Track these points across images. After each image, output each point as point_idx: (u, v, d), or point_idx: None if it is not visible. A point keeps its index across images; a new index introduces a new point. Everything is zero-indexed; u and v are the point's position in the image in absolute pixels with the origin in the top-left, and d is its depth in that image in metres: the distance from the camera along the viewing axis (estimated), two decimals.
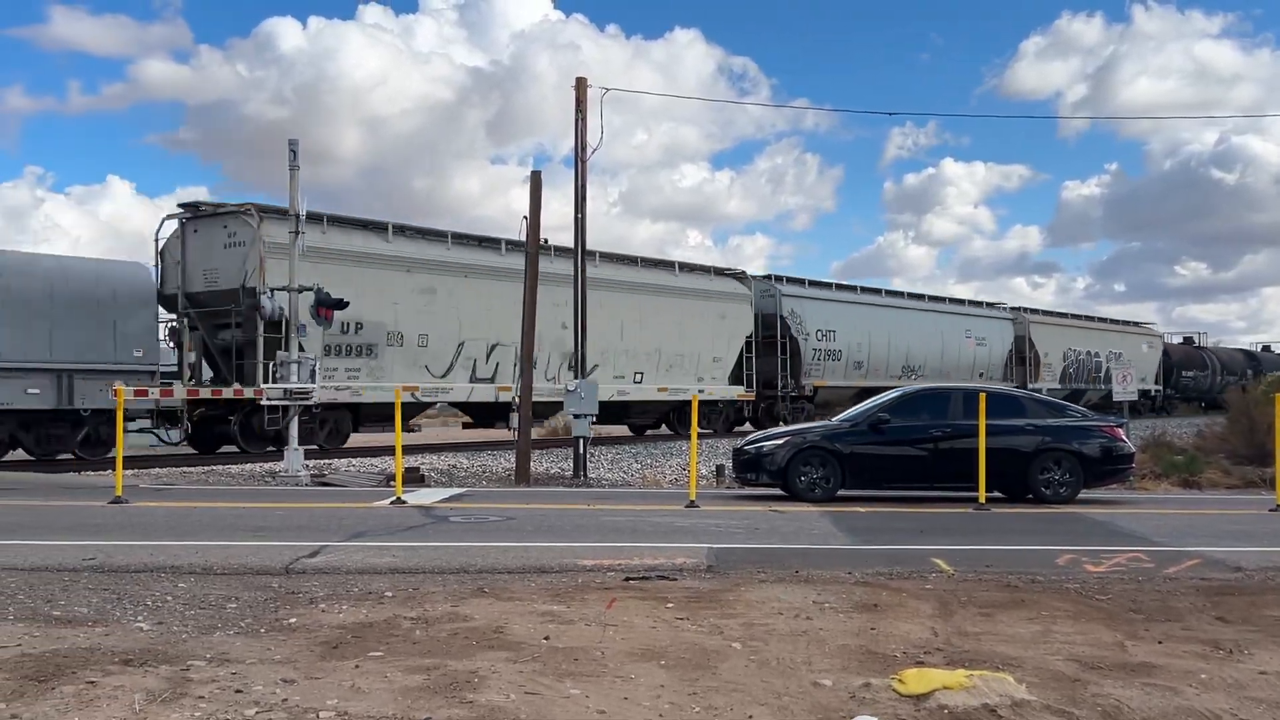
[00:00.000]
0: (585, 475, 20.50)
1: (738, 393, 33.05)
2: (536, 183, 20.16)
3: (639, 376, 30.49)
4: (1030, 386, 42.06)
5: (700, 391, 30.45)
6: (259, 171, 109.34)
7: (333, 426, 24.28)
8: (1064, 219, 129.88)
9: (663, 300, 30.99)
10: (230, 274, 22.42)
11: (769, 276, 35.75)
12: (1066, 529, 12.33)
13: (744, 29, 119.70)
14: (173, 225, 23.58)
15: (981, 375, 42.47)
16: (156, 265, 23.08)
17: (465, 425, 31.04)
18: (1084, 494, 15.49)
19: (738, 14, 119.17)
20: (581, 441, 20.68)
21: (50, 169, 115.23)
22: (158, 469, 20.47)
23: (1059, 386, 45.63)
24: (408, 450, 21.24)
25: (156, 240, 23.56)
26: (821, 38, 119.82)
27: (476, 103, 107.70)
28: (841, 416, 16.17)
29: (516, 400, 21.04)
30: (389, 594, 7.97)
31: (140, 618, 7.12)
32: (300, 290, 19.48)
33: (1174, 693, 5.73)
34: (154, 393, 20.81)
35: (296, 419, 19.58)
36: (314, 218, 22.42)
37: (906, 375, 38.51)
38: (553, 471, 21.19)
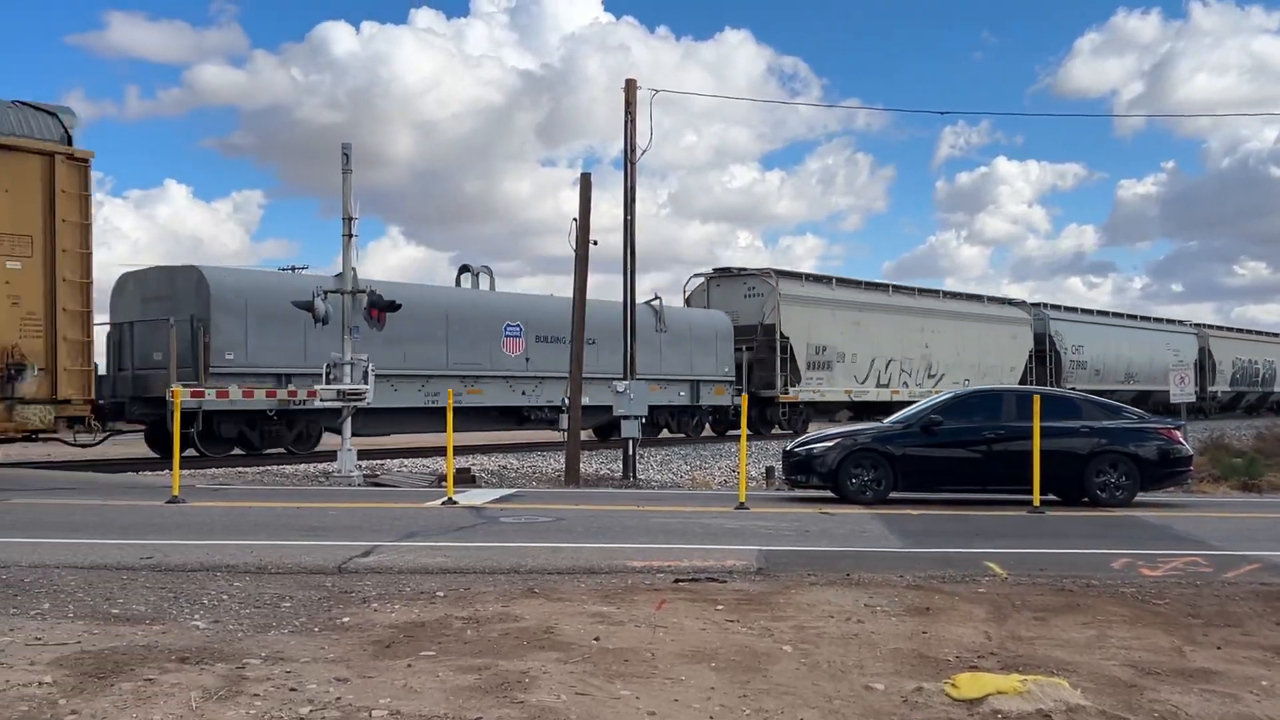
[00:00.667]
0: (634, 476, 20.52)
1: None
2: (586, 185, 20.22)
3: (966, 383, 39.62)
4: (1209, 389, 54.38)
5: None
6: (312, 175, 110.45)
7: (805, 417, 35.65)
8: (1120, 218, 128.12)
9: (977, 325, 42.79)
10: (750, 315, 34.71)
11: (1037, 304, 47.41)
12: (1122, 532, 12.15)
13: (794, 29, 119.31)
14: (698, 281, 36.71)
15: None
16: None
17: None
18: (1140, 497, 15.25)
19: (788, 14, 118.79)
20: (630, 443, 20.73)
21: (109, 173, 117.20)
22: (214, 469, 20.83)
23: (1229, 389, 58.45)
24: (458, 451, 21.40)
25: (684, 290, 37.05)
26: (873, 38, 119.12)
27: (527, 105, 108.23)
28: (893, 418, 16.03)
29: (565, 400, 21.05)
30: (441, 594, 8.03)
31: (197, 616, 7.23)
32: (354, 293, 19.66)
33: (1234, 699, 5.62)
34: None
35: (350, 419, 19.78)
36: (818, 279, 37.47)
37: (1128, 380, 49.72)
38: (602, 473, 21.27)
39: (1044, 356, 45.33)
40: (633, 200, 20.82)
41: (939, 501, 15.08)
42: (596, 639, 6.57)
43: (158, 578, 8.66)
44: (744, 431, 15.19)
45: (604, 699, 5.38)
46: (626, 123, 20.71)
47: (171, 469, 15.40)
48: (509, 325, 28.10)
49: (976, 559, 9.89)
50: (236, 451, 23.52)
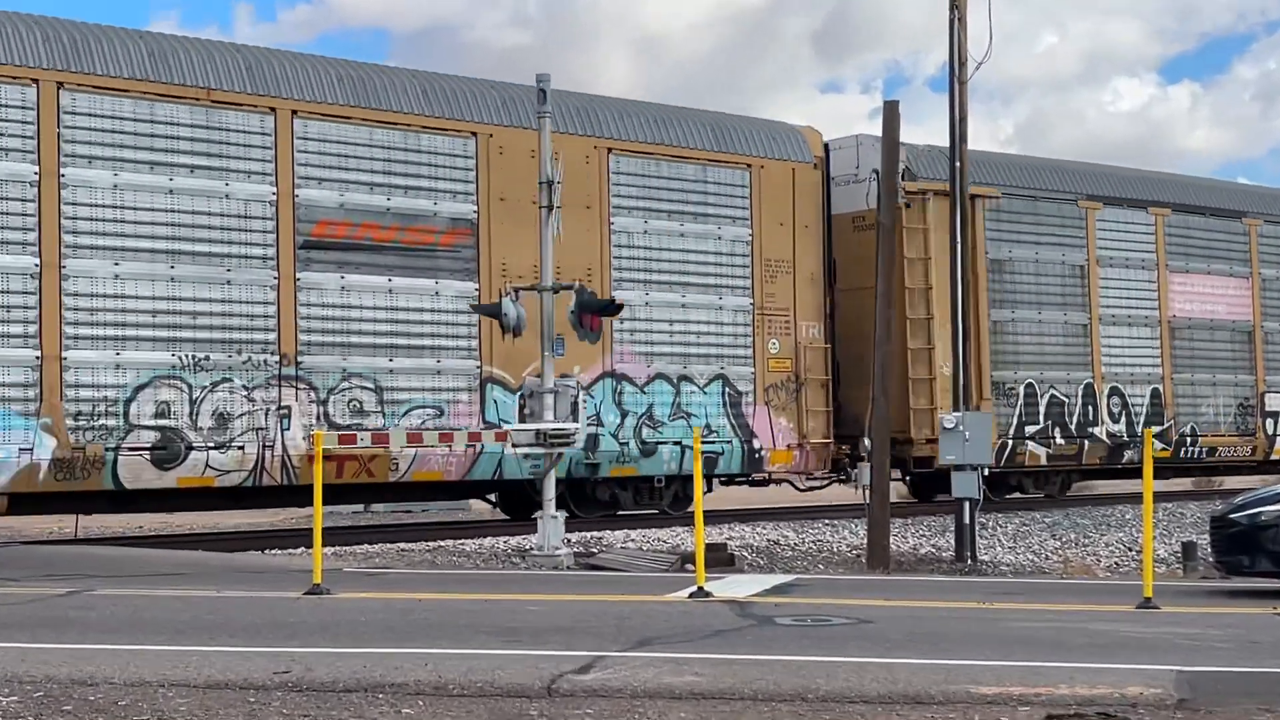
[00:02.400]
0: (974, 557, 20.38)
1: None
2: (892, 117, 20.31)
3: None
4: None
5: None
6: None
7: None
8: None
9: None
10: None
11: None
12: None
13: None
14: None
15: None
16: None
17: None
18: None
19: None
20: (966, 506, 20.47)
21: None
22: (366, 545, 21.69)
23: None
24: (710, 518, 21.61)
25: None
26: None
27: (797, 8, 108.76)
28: None
29: (867, 443, 21.04)
30: None
31: None
32: (557, 289, 20.12)
33: None
34: None
35: (553, 474, 20.14)
36: None
37: None
38: (923, 551, 21.17)
39: None
40: (962, 136, 20.66)
41: None
42: None
43: (297, 700, 8.98)
44: (1148, 486, 14.58)
45: None
46: (952, 23, 20.56)
47: (312, 549, 15.83)
48: None
49: None
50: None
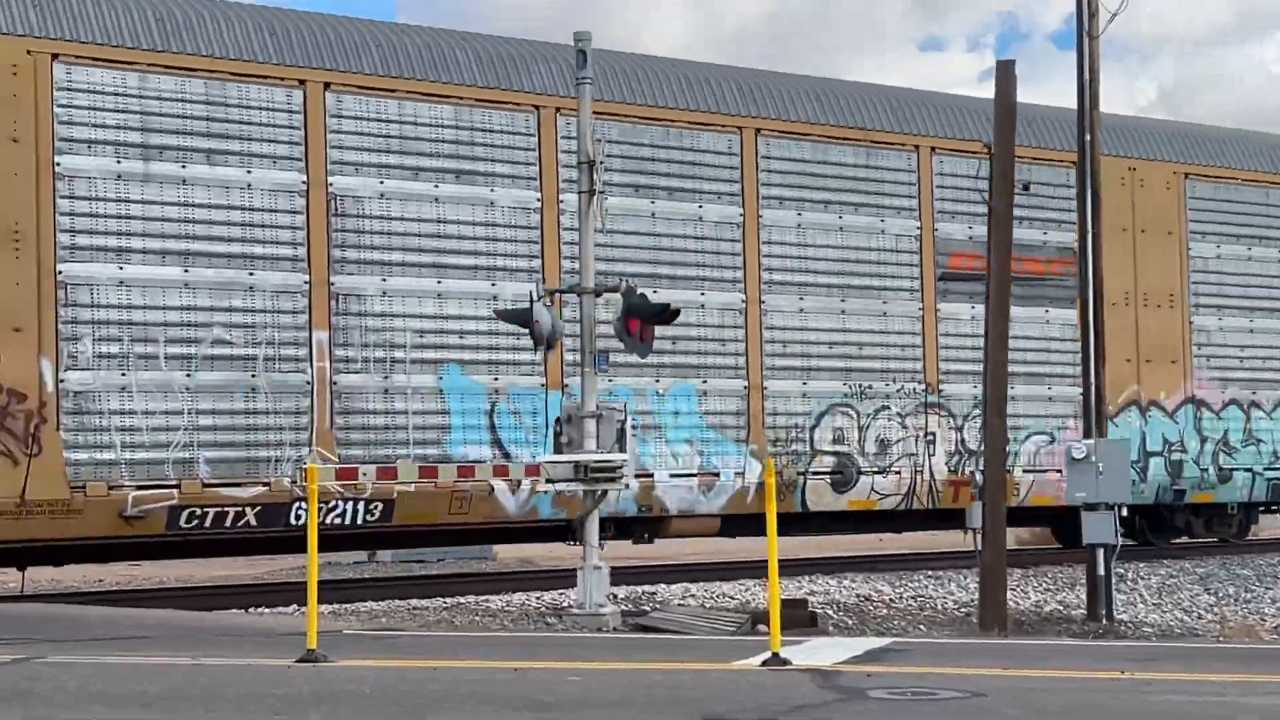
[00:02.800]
0: (1110, 615, 20.32)
1: None
2: (1006, 78, 20.33)
3: None
4: None
5: None
6: None
7: None
8: None
9: None
10: None
11: None
12: None
13: None
14: None
15: None
16: None
17: None
18: None
19: None
20: (1100, 554, 20.38)
21: None
22: (371, 602, 21.68)
23: None
24: (787, 568, 21.44)
25: None
26: None
27: None
28: None
29: (978, 478, 20.98)
30: None
31: None
32: (598, 292, 20.16)
33: None
34: None
35: (597, 515, 20.10)
36: None
37: None
38: (1048, 608, 21.08)
39: None
40: (1093, 101, 20.83)
41: None
42: None
43: None
44: None
45: None
46: None
47: (306, 606, 15.38)
48: None
49: None
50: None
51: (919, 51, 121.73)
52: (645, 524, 26.47)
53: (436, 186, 24.85)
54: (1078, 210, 22.55)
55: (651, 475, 25.82)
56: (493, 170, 25.38)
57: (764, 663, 14.04)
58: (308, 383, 23.67)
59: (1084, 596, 21.10)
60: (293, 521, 23.31)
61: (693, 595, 22.43)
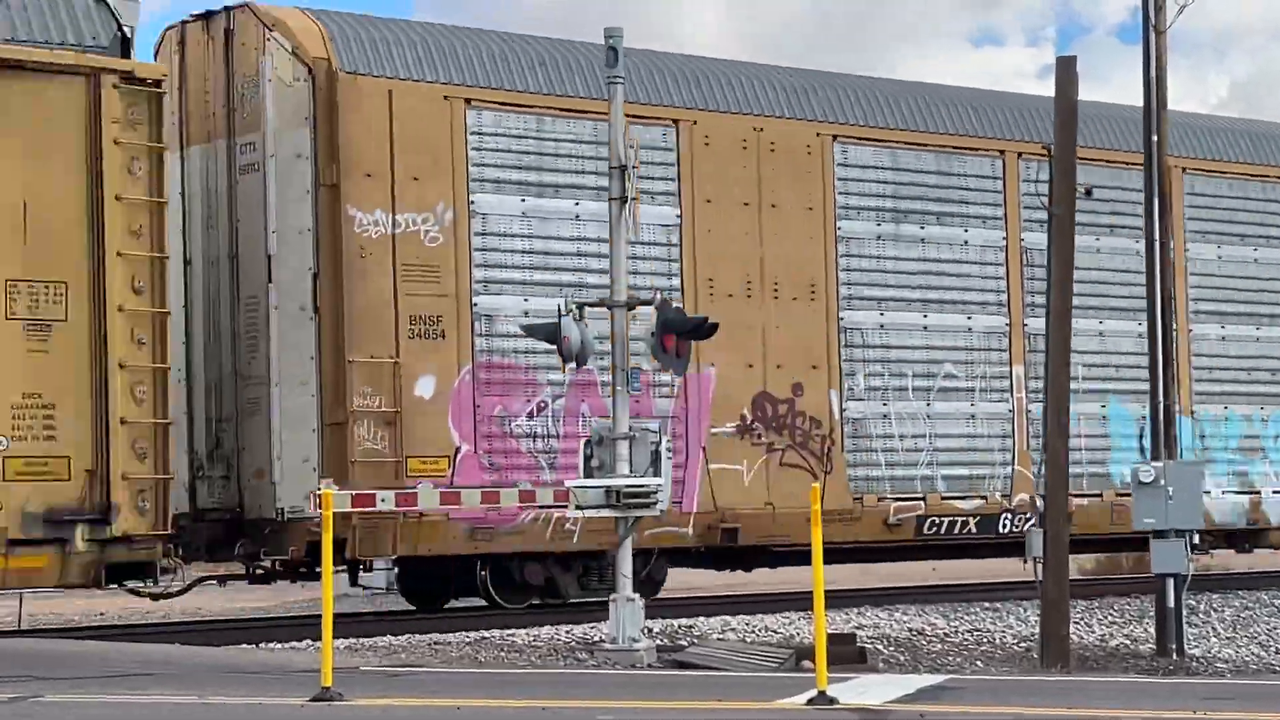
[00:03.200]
0: (1181, 650, 20.26)
1: None
2: (1066, 74, 20.37)
3: None
4: None
5: None
6: None
7: None
8: None
9: None
10: None
11: None
12: None
13: None
14: None
15: None
16: None
17: None
18: None
19: None
20: (1170, 585, 20.26)
21: None
22: (389, 637, 21.51)
23: None
24: (834, 600, 21.60)
25: None
26: None
27: None
28: None
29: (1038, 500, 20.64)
30: None
31: None
32: (631, 305, 19.88)
33: None
34: None
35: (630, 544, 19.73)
36: None
37: None
38: (1114, 642, 21.22)
39: None
40: (1161, 99, 20.88)
41: None
42: None
43: None
44: None
45: None
46: None
47: (320, 640, 15.20)
48: None
49: None
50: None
51: (973, 47, 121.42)
52: (1249, 535, 30.95)
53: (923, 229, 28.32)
54: (1144, 216, 22.48)
55: (1259, 492, 30.46)
56: (965, 213, 28.62)
57: (809, 701, 13.76)
58: (1009, 410, 28.39)
59: (1152, 630, 21.07)
60: (1000, 530, 28.20)
61: (732, 629, 22.40)
